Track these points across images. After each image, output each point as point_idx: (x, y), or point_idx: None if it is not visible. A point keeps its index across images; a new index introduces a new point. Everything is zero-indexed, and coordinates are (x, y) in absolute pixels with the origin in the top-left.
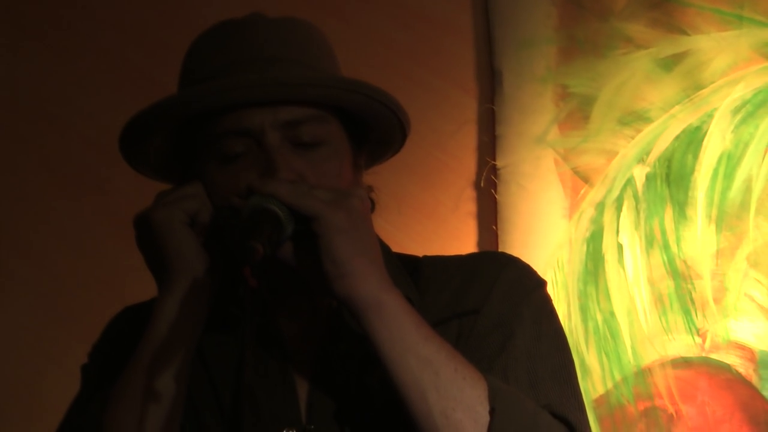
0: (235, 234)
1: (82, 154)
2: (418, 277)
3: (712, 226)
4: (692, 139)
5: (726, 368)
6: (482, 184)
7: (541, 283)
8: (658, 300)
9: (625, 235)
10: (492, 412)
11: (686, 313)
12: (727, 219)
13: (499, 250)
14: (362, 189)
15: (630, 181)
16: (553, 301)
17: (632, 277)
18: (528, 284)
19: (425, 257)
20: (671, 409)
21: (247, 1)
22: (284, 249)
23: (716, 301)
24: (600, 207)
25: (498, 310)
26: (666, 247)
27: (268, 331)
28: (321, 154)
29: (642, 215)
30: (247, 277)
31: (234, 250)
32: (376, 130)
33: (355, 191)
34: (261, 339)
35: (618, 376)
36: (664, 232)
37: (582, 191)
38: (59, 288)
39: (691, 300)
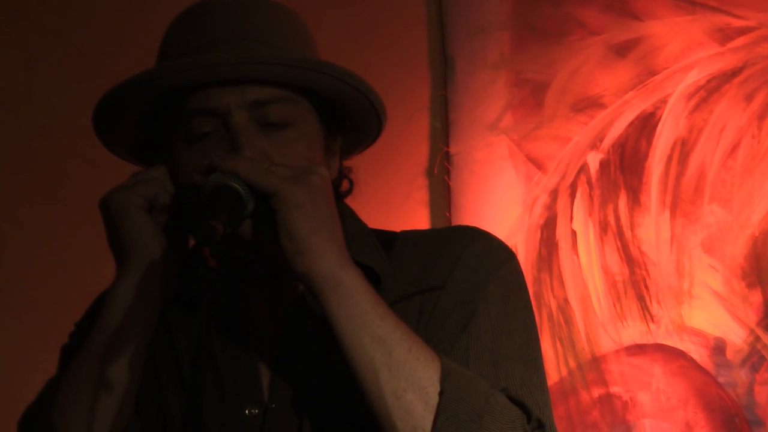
0: (195, 213)
1: (32, 141)
2: (391, 250)
3: (666, 213)
4: (646, 125)
5: (680, 354)
6: (435, 171)
7: (510, 257)
8: (612, 286)
9: (579, 221)
10: (441, 393)
11: (640, 299)
12: (681, 205)
13: None
14: (324, 168)
15: (584, 168)
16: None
17: (586, 264)
18: (496, 258)
19: (402, 232)
20: (626, 396)
21: None
22: (244, 227)
23: (670, 287)
24: (554, 193)
25: (463, 286)
26: (620, 233)
27: (235, 310)
28: (289, 135)
29: (596, 202)
30: (206, 256)
31: (194, 230)
32: (349, 115)
33: (316, 169)
34: (227, 317)
35: (572, 363)
36: (618, 219)
37: (535, 178)
38: (10, 278)
39: (646, 286)
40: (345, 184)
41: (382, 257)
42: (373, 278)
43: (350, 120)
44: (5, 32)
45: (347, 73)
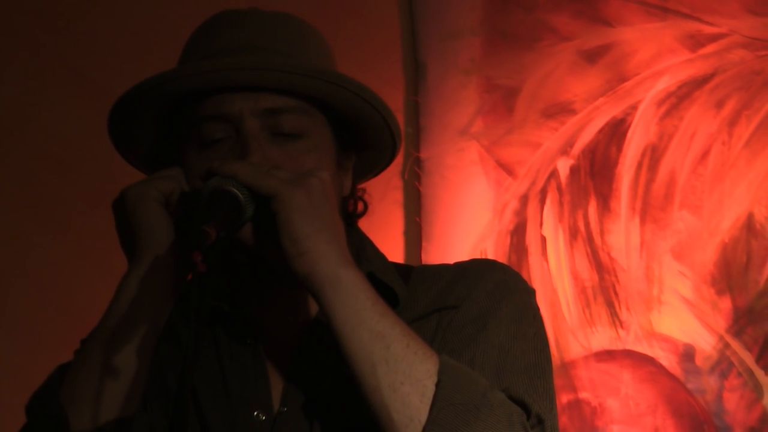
0: (191, 217)
1: (25, 160)
2: (409, 280)
3: (636, 219)
4: (616, 131)
5: (649, 361)
6: (406, 176)
7: (528, 289)
8: (582, 292)
9: (549, 227)
10: (438, 384)
11: (610, 305)
12: (651, 211)
13: (422, 241)
14: (325, 171)
15: (554, 174)
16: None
17: (555, 270)
18: (513, 287)
19: (419, 266)
20: (594, 402)
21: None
22: (245, 231)
23: (640, 293)
24: (523, 199)
25: (478, 305)
26: (590, 239)
27: (244, 316)
28: (300, 146)
29: (566, 208)
30: (197, 261)
31: (187, 234)
32: (363, 131)
33: (316, 171)
34: (236, 323)
35: None
36: (587, 225)
37: (506, 183)
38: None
39: (615, 292)
40: (360, 207)
41: (401, 284)
42: (392, 300)
43: (364, 137)
44: None
45: (362, 87)
